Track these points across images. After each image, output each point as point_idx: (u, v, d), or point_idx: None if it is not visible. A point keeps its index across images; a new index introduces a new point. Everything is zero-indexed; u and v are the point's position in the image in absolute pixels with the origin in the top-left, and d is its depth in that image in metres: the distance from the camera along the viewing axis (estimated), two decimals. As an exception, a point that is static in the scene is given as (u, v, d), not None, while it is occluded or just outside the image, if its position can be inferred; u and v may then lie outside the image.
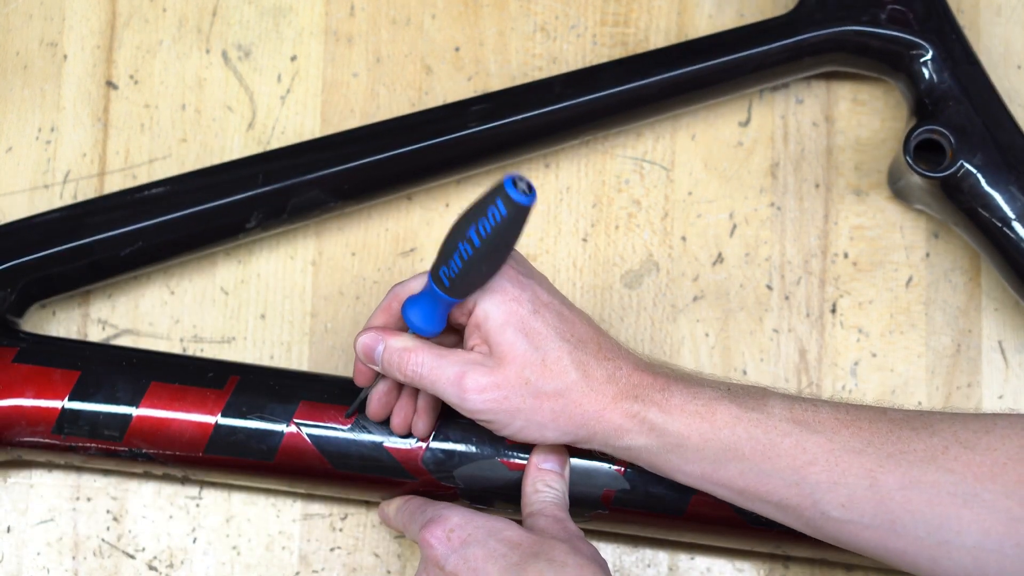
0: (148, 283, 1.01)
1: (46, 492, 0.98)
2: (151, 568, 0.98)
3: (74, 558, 0.98)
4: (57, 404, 0.91)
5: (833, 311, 1.01)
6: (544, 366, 0.82)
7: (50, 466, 0.98)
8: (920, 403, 1.00)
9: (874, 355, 1.00)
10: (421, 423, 0.88)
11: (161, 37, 1.04)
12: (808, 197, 1.02)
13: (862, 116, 1.03)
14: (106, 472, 0.98)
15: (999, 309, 1.01)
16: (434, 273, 0.81)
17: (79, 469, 0.98)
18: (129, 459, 0.92)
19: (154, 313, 1.01)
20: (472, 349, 0.83)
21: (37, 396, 0.91)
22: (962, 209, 0.95)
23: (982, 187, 0.94)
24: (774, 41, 0.98)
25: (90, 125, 1.03)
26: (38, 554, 0.98)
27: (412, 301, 0.83)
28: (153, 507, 0.98)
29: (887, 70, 0.99)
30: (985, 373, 1.00)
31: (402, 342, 0.83)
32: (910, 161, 0.95)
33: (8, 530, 0.98)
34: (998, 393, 1.00)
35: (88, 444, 0.91)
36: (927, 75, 0.97)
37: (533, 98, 0.98)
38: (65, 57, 1.04)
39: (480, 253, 0.78)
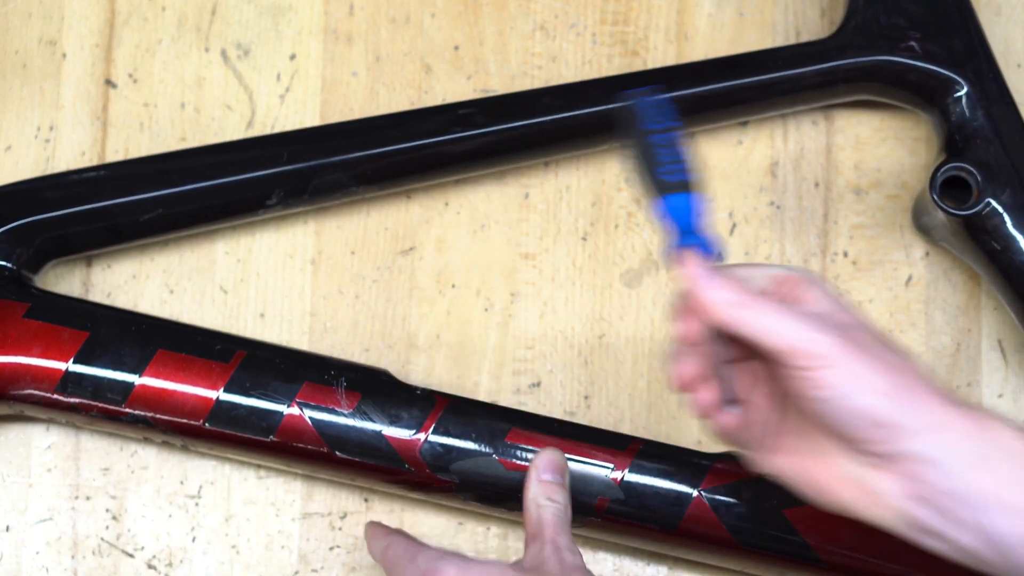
0: (147, 282, 1.01)
1: (45, 491, 0.98)
2: (150, 567, 0.98)
3: (73, 557, 0.98)
4: (62, 365, 0.91)
5: (833, 310, 1.01)
6: None
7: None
8: (920, 402, 0.99)
9: (874, 354, 1.00)
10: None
11: (160, 36, 1.04)
12: (808, 196, 1.02)
13: (862, 115, 1.03)
14: (105, 471, 0.98)
15: (999, 308, 1.00)
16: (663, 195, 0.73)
17: (79, 466, 0.98)
18: (130, 424, 0.92)
19: (153, 312, 1.01)
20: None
21: (44, 354, 0.91)
22: (984, 250, 0.95)
23: (1006, 228, 0.94)
24: (810, 65, 0.98)
25: (89, 124, 1.03)
26: (37, 553, 0.98)
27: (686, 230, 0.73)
28: (152, 506, 0.98)
29: (921, 103, 0.99)
30: (985, 372, 1.00)
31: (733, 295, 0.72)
32: (935, 198, 0.94)
33: (7, 529, 0.98)
34: (998, 392, 1.00)
35: (90, 405, 0.91)
36: (960, 111, 0.97)
37: (564, 102, 0.98)
38: (64, 56, 1.04)
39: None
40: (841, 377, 0.70)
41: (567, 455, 0.90)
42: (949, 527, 0.70)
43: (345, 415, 0.90)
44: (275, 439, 0.91)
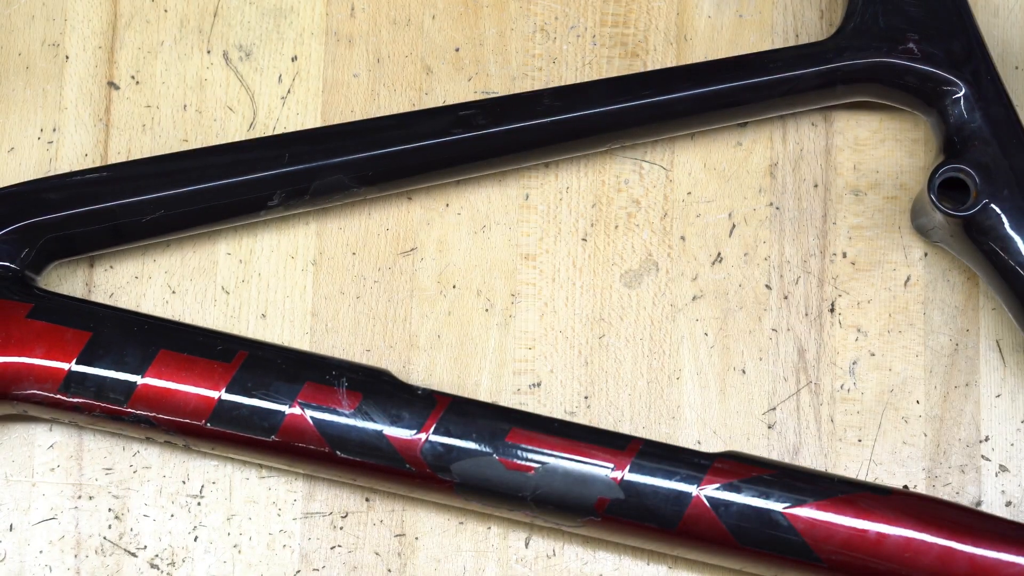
0: (149, 283, 1.01)
1: (48, 491, 0.99)
2: (153, 566, 0.98)
3: (76, 556, 0.98)
4: (65, 365, 0.91)
5: (832, 310, 1.01)
6: None
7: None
8: (917, 401, 1.00)
9: (872, 354, 1.01)
10: None
11: (162, 38, 1.04)
12: (807, 197, 1.03)
13: (861, 116, 1.03)
14: (108, 471, 0.99)
15: (997, 308, 1.01)
16: None
17: (81, 466, 0.99)
18: (132, 424, 0.92)
19: (155, 313, 1.01)
20: None
21: (47, 354, 0.92)
22: (982, 251, 0.95)
23: (1004, 229, 0.94)
24: (809, 66, 0.98)
25: (92, 125, 1.03)
26: (40, 552, 0.98)
27: None
28: (154, 506, 0.98)
29: (920, 105, 0.99)
30: (983, 372, 1.00)
31: None
32: (934, 199, 0.94)
33: (11, 528, 0.98)
34: (995, 392, 1.00)
35: (93, 405, 0.92)
36: (958, 113, 0.97)
37: (564, 104, 0.98)
38: (67, 58, 1.04)
39: None
40: None
41: (567, 455, 0.90)
42: None
43: (346, 415, 0.91)
44: (277, 439, 0.91)
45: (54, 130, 1.03)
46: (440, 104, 1.03)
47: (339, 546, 0.98)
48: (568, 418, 0.98)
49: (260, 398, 0.91)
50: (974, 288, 1.01)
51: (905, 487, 0.98)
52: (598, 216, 1.03)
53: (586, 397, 1.00)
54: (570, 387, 1.00)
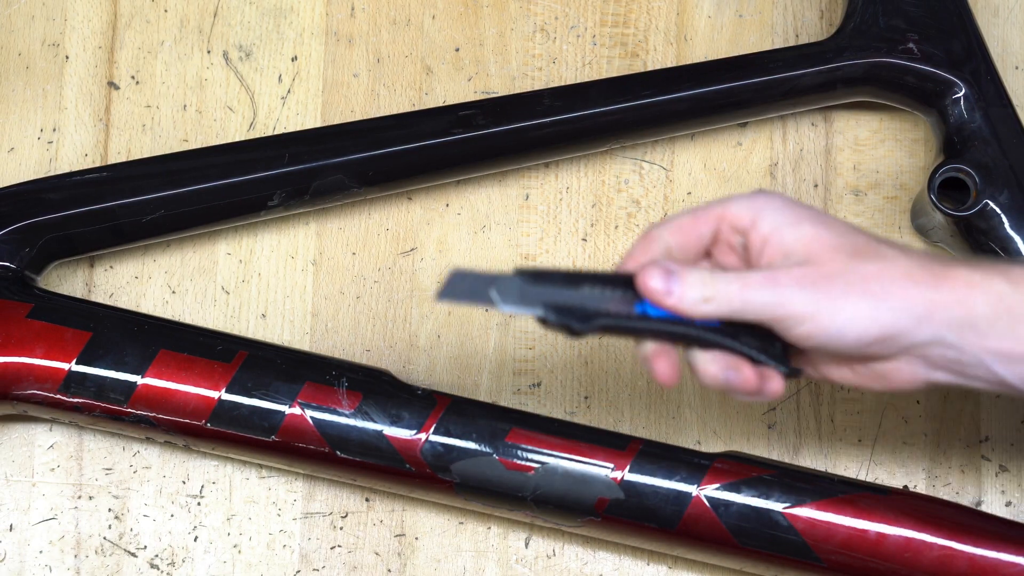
0: (149, 283, 1.02)
1: (48, 491, 0.99)
2: (152, 566, 0.98)
3: (76, 556, 0.98)
4: (65, 365, 0.91)
5: (832, 310, 1.01)
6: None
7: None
8: (918, 402, 1.00)
9: (872, 354, 1.01)
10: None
11: (162, 38, 1.05)
12: (807, 197, 1.03)
13: (861, 116, 1.03)
14: (108, 471, 0.99)
15: (997, 308, 1.01)
16: None
17: (81, 466, 0.99)
18: (133, 424, 0.92)
19: (155, 313, 1.01)
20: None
21: (47, 354, 0.92)
22: (982, 251, 0.95)
23: (1004, 229, 0.94)
24: (809, 66, 0.98)
25: (92, 125, 1.04)
26: (40, 552, 0.98)
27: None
28: (154, 506, 0.99)
29: (920, 106, 0.99)
30: (983, 372, 1.00)
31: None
32: (934, 199, 0.94)
33: (11, 528, 0.98)
34: (995, 393, 1.00)
35: (93, 405, 0.92)
36: (958, 113, 0.97)
37: (564, 103, 0.98)
38: (67, 58, 1.04)
39: None
40: (821, 325, 0.73)
41: (567, 455, 0.90)
42: (966, 380, 0.77)
43: (346, 415, 0.91)
44: (277, 439, 0.91)
45: (54, 130, 1.03)
46: (440, 104, 1.03)
47: (339, 546, 0.98)
48: (568, 418, 0.98)
49: (260, 398, 0.91)
50: (974, 288, 1.01)
51: (905, 487, 0.99)
52: (598, 216, 1.03)
53: (586, 397, 1.00)
54: (570, 387, 1.00)
